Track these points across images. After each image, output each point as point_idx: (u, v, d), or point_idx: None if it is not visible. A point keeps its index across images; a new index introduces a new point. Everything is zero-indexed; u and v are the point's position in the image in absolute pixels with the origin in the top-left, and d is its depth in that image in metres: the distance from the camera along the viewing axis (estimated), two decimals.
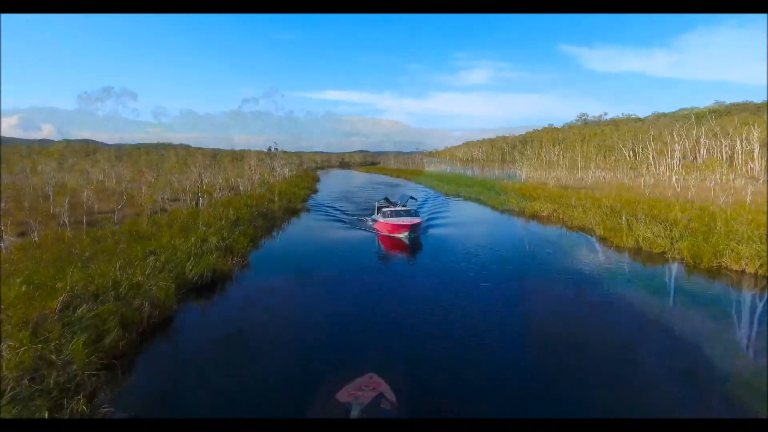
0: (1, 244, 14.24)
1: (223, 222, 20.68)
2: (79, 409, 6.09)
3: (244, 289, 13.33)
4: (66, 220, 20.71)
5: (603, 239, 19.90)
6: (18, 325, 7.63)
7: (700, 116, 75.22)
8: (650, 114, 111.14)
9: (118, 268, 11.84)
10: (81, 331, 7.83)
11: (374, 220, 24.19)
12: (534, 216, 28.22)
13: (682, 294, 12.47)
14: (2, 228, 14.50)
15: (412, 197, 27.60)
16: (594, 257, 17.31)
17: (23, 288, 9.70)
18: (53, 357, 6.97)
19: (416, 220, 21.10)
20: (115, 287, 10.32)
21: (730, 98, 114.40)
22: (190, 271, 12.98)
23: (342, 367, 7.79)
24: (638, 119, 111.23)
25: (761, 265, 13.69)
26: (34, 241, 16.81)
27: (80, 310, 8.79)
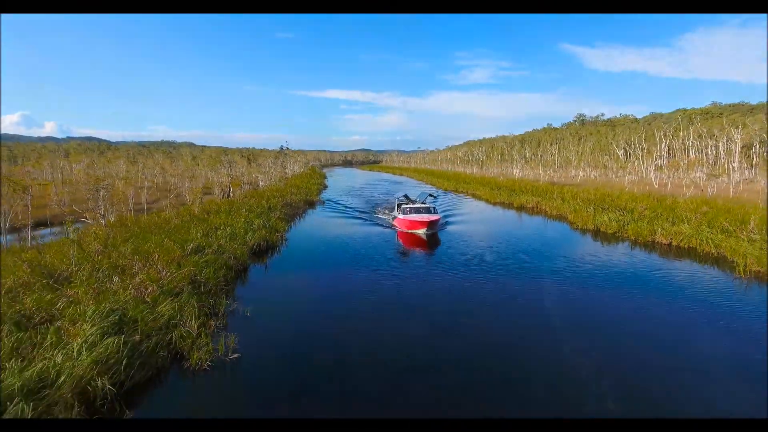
0: (104, 221, 18.62)
1: (259, 209, 25.11)
2: (223, 303, 10.51)
3: (289, 254, 17.78)
4: (132, 207, 25.22)
5: (572, 224, 24.21)
6: (166, 261, 12.04)
7: (692, 118, 79.19)
8: (647, 114, 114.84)
9: (199, 236, 16.28)
10: (205, 266, 12.26)
11: (394, 217, 25.61)
12: (521, 207, 32.55)
13: (615, 258, 16.79)
14: (104, 210, 18.86)
15: (431, 195, 28.86)
16: (560, 237, 21.62)
17: (146, 245, 14.18)
18: (198, 277, 11.38)
19: (434, 217, 22.07)
20: (208, 247, 14.74)
21: (732, 98, 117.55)
22: (250, 240, 17.43)
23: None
24: (634, 120, 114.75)
25: (682, 240, 18.01)
26: (110, 221, 21.36)
27: (193, 258, 13.18)
